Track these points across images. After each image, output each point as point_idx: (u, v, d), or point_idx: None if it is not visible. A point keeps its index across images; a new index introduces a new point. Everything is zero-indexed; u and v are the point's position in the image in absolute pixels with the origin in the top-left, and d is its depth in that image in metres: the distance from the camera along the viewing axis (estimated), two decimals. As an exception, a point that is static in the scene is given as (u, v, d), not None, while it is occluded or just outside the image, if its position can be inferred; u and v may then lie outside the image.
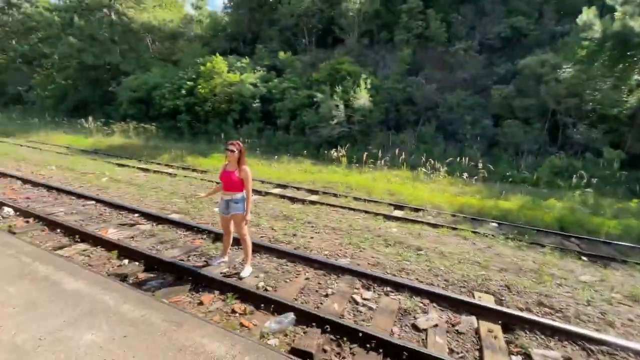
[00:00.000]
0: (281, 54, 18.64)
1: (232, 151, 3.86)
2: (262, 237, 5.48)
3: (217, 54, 17.75)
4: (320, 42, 21.10)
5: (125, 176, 9.13)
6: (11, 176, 8.13)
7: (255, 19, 22.69)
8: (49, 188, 7.40)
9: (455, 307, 3.72)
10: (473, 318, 3.53)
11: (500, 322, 3.47)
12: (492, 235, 6.22)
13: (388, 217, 6.97)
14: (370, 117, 14.50)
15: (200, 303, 3.55)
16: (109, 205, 6.51)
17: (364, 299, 3.81)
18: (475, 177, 10.33)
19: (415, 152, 13.25)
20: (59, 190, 7.24)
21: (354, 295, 3.85)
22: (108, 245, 4.71)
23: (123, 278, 3.86)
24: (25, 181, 7.81)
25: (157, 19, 23.25)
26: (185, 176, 9.70)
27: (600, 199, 8.89)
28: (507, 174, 11.21)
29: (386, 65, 17.54)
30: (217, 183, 4.70)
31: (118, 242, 4.76)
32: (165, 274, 4.14)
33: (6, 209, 5.71)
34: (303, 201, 7.83)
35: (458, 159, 11.78)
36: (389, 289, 4.02)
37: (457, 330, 3.35)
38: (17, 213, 5.71)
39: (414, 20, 17.24)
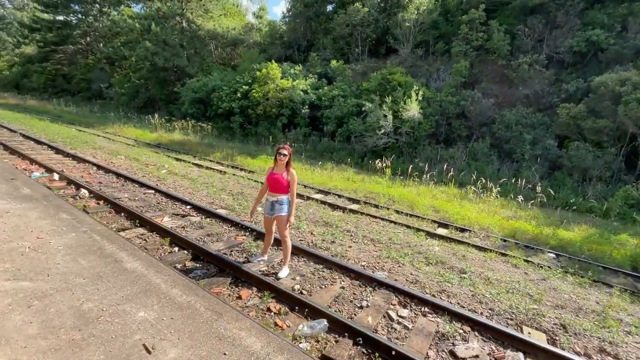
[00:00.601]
0: (333, 62, 18.96)
1: (286, 155, 3.99)
2: (301, 240, 5.57)
3: (273, 61, 18.56)
4: (372, 52, 21.13)
5: (181, 170, 9.86)
6: (88, 162, 9.20)
7: (311, 27, 23.39)
8: (118, 175, 8.25)
9: (500, 340, 3.45)
10: (520, 355, 3.25)
11: (552, 363, 3.15)
12: (548, 267, 5.67)
13: (431, 234, 6.69)
14: (419, 130, 14.11)
15: (239, 297, 3.70)
16: (166, 196, 7.08)
17: (400, 317, 3.69)
18: (532, 202, 9.52)
19: (465, 169, 12.59)
20: (126, 177, 8.04)
21: (390, 311, 3.75)
22: (162, 232, 5.11)
23: (173, 264, 4.15)
24: (99, 167, 8.79)
25: (222, 26, 25.01)
26: (233, 174, 10.22)
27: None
28: (571, 201, 10.16)
29: (440, 77, 16.99)
30: (262, 184, 4.88)
31: (171, 230, 5.14)
32: (210, 265, 4.39)
33: (83, 190, 6.48)
34: (343, 209, 7.83)
35: (513, 180, 10.97)
36: (427, 309, 3.85)
37: (500, 365, 3.10)
38: (91, 195, 6.44)
39: (474, 31, 16.55)
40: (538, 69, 14.88)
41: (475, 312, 3.93)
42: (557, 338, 3.60)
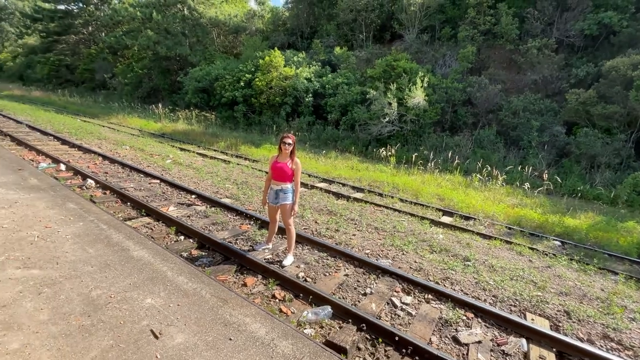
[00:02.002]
0: (337, 49, 18.66)
1: (290, 144, 3.98)
2: (305, 229, 5.61)
3: (276, 48, 18.30)
4: (377, 38, 20.71)
5: (185, 159, 9.90)
6: (94, 152, 9.27)
7: (314, 13, 22.94)
8: (123, 165, 8.31)
9: (503, 326, 3.47)
10: (523, 340, 3.27)
11: (554, 349, 3.18)
12: (553, 255, 5.65)
13: (435, 222, 6.68)
14: (424, 117, 13.93)
15: (244, 284, 3.76)
16: (171, 185, 7.13)
17: (403, 303, 3.72)
18: (539, 189, 9.43)
19: (470, 156, 12.47)
20: (131, 168, 8.10)
21: (393, 298, 3.78)
22: (168, 221, 5.17)
23: (179, 253, 4.21)
24: (104, 157, 8.86)
25: (223, 13, 24.62)
26: (237, 164, 10.24)
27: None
28: (578, 188, 10.04)
29: (446, 63, 16.64)
30: (266, 173, 4.88)
31: (177, 219, 5.20)
32: (215, 254, 4.45)
33: (89, 181, 6.55)
34: (348, 198, 7.83)
35: (519, 168, 10.85)
36: (430, 296, 3.88)
37: (502, 351, 3.13)
38: (97, 185, 6.51)
39: (482, 15, 16.10)
40: (547, 53, 14.49)
41: (479, 299, 3.95)
42: (560, 324, 3.61)
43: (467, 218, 7.30)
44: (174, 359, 1.95)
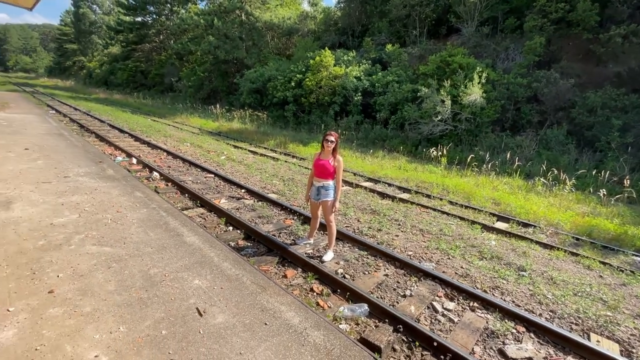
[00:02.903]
0: (388, 47, 18.25)
1: (333, 141, 4.04)
2: (347, 226, 5.62)
3: (326, 48, 18.50)
4: (432, 33, 19.84)
5: (238, 156, 10.51)
6: (160, 148, 10.28)
7: (366, 11, 22.71)
8: (184, 160, 9.10)
9: (561, 345, 3.14)
10: (583, 362, 2.93)
11: (623, 377, 2.79)
12: (631, 272, 4.93)
13: (488, 228, 6.23)
14: (481, 115, 13.02)
15: (285, 276, 3.90)
16: (223, 180, 7.64)
17: (445, 309, 3.56)
18: (618, 197, 8.26)
19: (534, 158, 11.36)
20: (190, 162, 8.84)
21: (435, 303, 3.63)
22: (219, 212, 5.55)
23: (227, 242, 4.51)
24: (168, 153, 9.78)
25: (277, 17, 25.56)
26: (285, 161, 10.59)
27: None
28: (669, 197, 8.59)
29: (509, 57, 15.34)
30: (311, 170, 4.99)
31: (227, 211, 5.56)
32: (259, 245, 4.68)
33: (155, 173, 7.29)
34: (393, 198, 7.65)
35: (594, 172, 9.61)
36: (476, 304, 3.65)
37: (557, 371, 2.83)
38: (161, 177, 7.23)
39: (553, 2, 14.52)
40: (635, 41, 12.58)
41: (533, 313, 3.61)
42: (633, 350, 3.15)
43: (526, 225, 6.69)
44: (214, 335, 2.11)
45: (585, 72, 13.39)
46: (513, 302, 3.81)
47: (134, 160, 8.36)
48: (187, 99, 27.02)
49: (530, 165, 10.78)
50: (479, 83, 12.58)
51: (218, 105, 21.05)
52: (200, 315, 2.29)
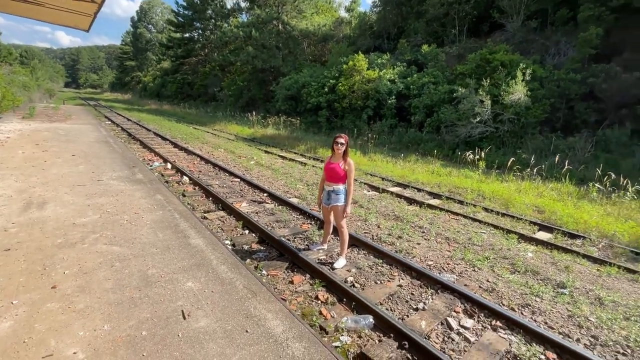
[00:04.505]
0: (424, 47, 17.61)
1: (343, 144, 3.91)
2: (366, 233, 5.39)
3: (360, 52, 18.33)
4: (472, 31, 18.80)
5: (267, 161, 10.70)
6: (195, 154, 10.81)
7: (402, 13, 22.20)
8: (215, 165, 9.45)
9: (600, 378, 2.65)
10: (628, 403, 2.43)
11: None
12: None
13: (525, 238, 5.61)
14: (526, 116, 11.96)
15: (291, 282, 3.79)
16: (248, 184, 7.77)
17: (462, 326, 3.20)
18: (694, 206, 7.04)
19: (589, 161, 10.14)
20: (220, 167, 9.15)
21: (450, 319, 3.29)
22: (238, 216, 5.62)
23: (233, 244, 4.53)
24: (201, 158, 10.24)
25: (313, 24, 25.95)
26: (313, 166, 10.55)
27: None
28: None
29: (560, 52, 13.99)
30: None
31: (245, 215, 5.60)
32: (272, 249, 4.63)
33: (185, 177, 7.64)
34: (421, 204, 7.23)
35: (664, 177, 8.31)
36: (499, 323, 3.24)
37: (593, 410, 2.38)
38: (190, 181, 7.54)
39: (613, -12, 12.99)
40: None
41: (569, 338, 3.12)
42: (700, 393, 2.57)
43: (574, 236, 5.91)
44: (192, 339, 2.06)
45: (654, 63, 11.74)
46: (545, 323, 3.33)
47: (169, 166, 8.85)
48: (227, 107, 28.35)
49: (584, 169, 9.63)
50: (522, 81, 11.59)
51: (254, 113, 21.77)
52: (184, 318, 2.26)
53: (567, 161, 9.47)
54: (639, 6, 12.44)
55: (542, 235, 5.87)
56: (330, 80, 18.84)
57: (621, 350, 2.99)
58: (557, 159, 9.58)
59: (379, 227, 5.66)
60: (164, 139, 13.76)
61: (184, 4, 37.48)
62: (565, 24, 14.95)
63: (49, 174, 5.65)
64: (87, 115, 19.61)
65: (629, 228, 6.13)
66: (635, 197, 7.60)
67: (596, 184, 8.21)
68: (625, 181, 7.91)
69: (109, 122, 17.91)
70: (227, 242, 4.53)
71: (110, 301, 2.40)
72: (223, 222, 5.46)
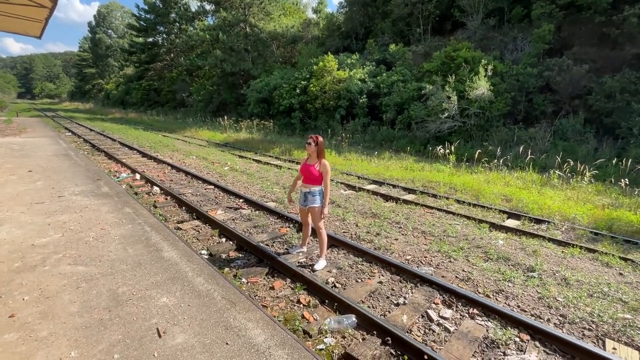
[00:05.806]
0: (392, 47, 18.01)
1: (309, 144, 3.91)
2: (344, 232, 5.41)
3: (329, 53, 18.45)
4: (436, 30, 19.46)
5: (241, 166, 10.50)
6: (165, 163, 10.42)
7: (368, 13, 22.58)
8: (187, 173, 9.15)
9: (570, 354, 2.81)
10: (595, 375, 2.59)
11: (643, 391, 2.44)
12: (657, 268, 4.46)
13: (496, 227, 5.86)
14: (490, 109, 12.53)
15: (272, 288, 3.73)
16: (223, 190, 7.59)
17: (441, 317, 3.29)
18: (642, 186, 7.66)
19: (549, 150, 10.78)
20: (192, 175, 8.88)
21: (430, 311, 3.37)
22: (214, 224, 5.47)
23: (210, 254, 4.40)
24: (172, 167, 9.88)
25: (282, 26, 25.81)
26: (289, 168, 10.48)
27: None
28: (703, 184, 7.88)
29: (517, 48, 14.76)
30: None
31: (221, 222, 5.46)
32: (250, 256, 4.54)
33: (155, 188, 7.33)
34: (397, 200, 7.38)
35: (615, 161, 8.99)
36: (475, 311, 3.36)
37: (565, 386, 2.52)
38: (161, 191, 7.25)
39: (561, -13, 13.89)
40: (653, 20, 11.81)
41: (540, 319, 3.28)
42: (657, 359, 2.78)
43: (539, 221, 6.26)
44: (169, 358, 1.97)
45: (601, 56, 12.68)
46: (518, 306, 3.48)
47: (138, 176, 8.47)
48: (197, 112, 27.58)
49: (545, 157, 10.22)
50: (485, 76, 12.13)
51: (226, 117, 21.33)
52: (160, 336, 2.16)
53: (529, 151, 10.01)
54: (583, 3, 13.41)
55: (511, 223, 6.16)
56: (302, 82, 18.81)
57: (587, 326, 3.18)
58: (521, 149, 10.11)
59: (357, 225, 5.71)
60: (131, 148, 13.16)
61: (146, 7, 36.08)
62: (521, 21, 15.82)
63: (2, 192, 5.23)
64: (44, 127, 18.38)
65: (587, 210, 6.56)
66: (592, 181, 8.16)
67: (556, 171, 8.73)
68: (582, 167, 8.48)
69: (70, 134, 16.90)
70: (203, 252, 4.39)
71: (76, 325, 2.25)
72: (198, 231, 5.29)
